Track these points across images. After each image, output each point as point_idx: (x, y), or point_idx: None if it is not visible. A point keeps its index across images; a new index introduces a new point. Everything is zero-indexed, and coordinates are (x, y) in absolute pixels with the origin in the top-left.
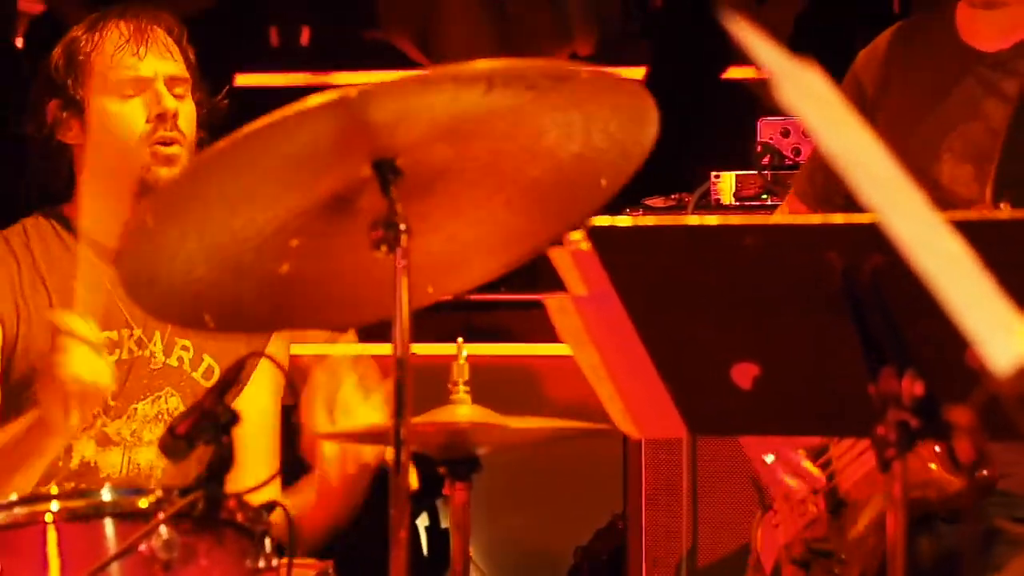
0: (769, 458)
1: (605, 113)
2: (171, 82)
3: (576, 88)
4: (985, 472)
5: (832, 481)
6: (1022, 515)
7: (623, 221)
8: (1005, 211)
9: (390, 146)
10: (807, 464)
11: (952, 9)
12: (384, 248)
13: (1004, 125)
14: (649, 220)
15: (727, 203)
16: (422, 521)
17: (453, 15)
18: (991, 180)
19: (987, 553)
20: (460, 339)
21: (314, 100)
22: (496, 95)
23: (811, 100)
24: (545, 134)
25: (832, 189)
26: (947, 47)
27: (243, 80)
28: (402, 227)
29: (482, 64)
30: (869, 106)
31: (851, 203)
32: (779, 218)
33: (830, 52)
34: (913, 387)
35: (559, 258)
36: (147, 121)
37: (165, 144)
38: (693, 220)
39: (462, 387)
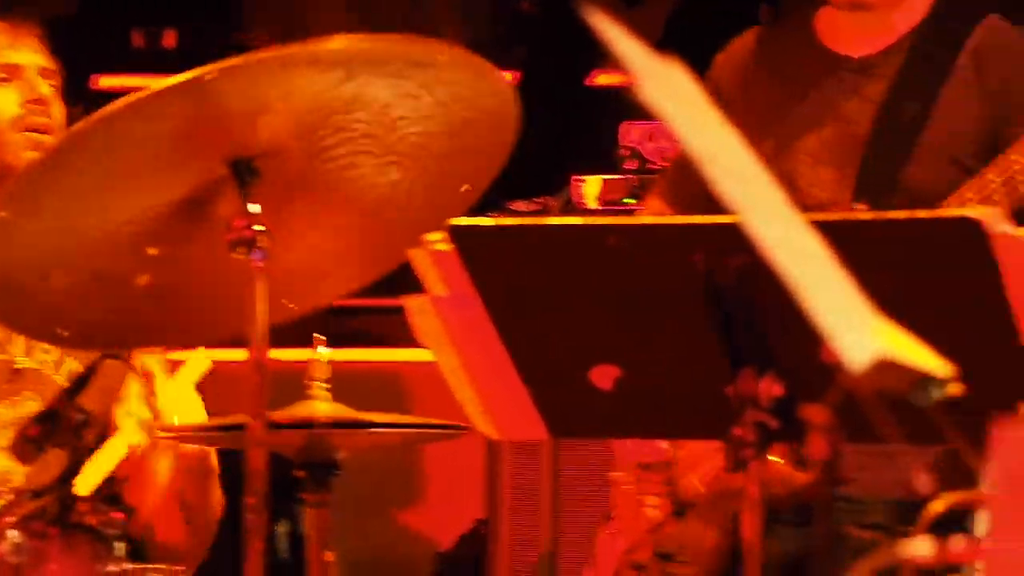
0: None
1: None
2: (45, 73)
3: (438, 74)
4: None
5: (676, 483)
6: (868, 521)
7: (485, 221)
8: (864, 211)
9: (247, 143)
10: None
11: (813, 14)
12: (242, 250)
13: (867, 128)
14: (510, 220)
15: (592, 207)
16: (284, 527)
17: (318, 18)
18: (853, 183)
19: (832, 559)
20: (316, 335)
21: (168, 81)
22: (356, 83)
23: (675, 100)
24: (405, 131)
25: (696, 189)
26: (807, 51)
27: (106, 83)
28: (259, 228)
29: (340, 40)
30: (725, 109)
31: (714, 204)
32: (643, 218)
33: (700, 55)
34: (772, 388)
35: (419, 259)
36: (20, 106)
37: (39, 131)
38: (555, 220)
39: (321, 383)
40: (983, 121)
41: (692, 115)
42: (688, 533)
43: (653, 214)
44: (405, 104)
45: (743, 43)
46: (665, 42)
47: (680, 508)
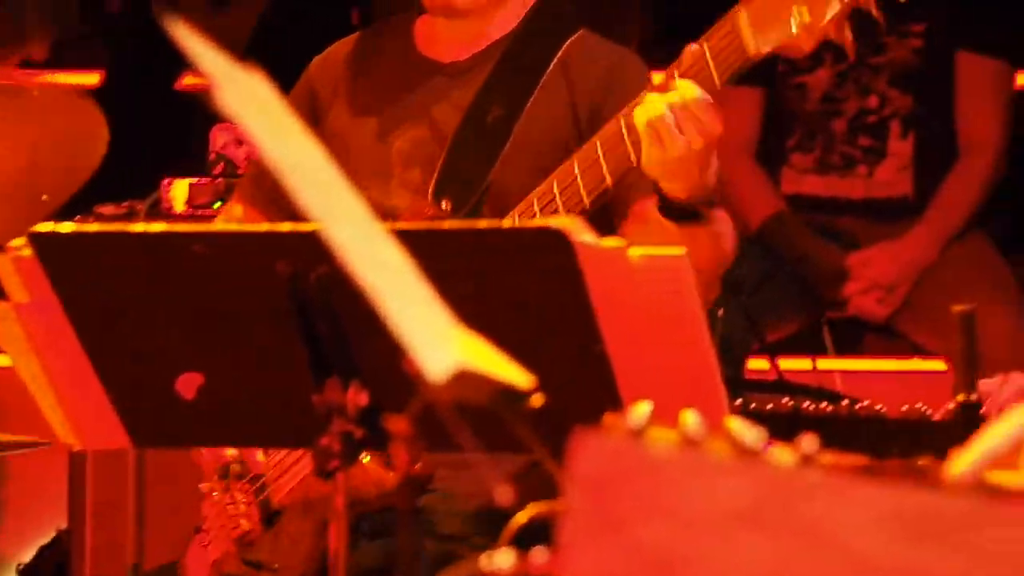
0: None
1: (55, 130)
2: None
3: (27, 103)
4: (417, 468)
5: (265, 492)
6: (447, 531)
7: (65, 228)
8: (445, 222)
9: None
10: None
11: (412, 21)
12: None
13: (453, 131)
14: (93, 227)
15: (180, 211)
16: None
17: None
18: (434, 179)
19: (412, 571)
20: None
21: None
22: None
23: (253, 106)
24: None
25: (274, 194)
26: (403, 57)
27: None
28: None
29: None
30: (320, 113)
31: (294, 209)
32: (228, 226)
33: (288, 61)
34: (358, 398)
35: (1, 265)
36: None
37: None
38: (138, 227)
39: None
40: (569, 131)
41: (270, 122)
42: (278, 542)
43: (232, 218)
44: None
45: (341, 48)
46: (253, 46)
47: (270, 517)
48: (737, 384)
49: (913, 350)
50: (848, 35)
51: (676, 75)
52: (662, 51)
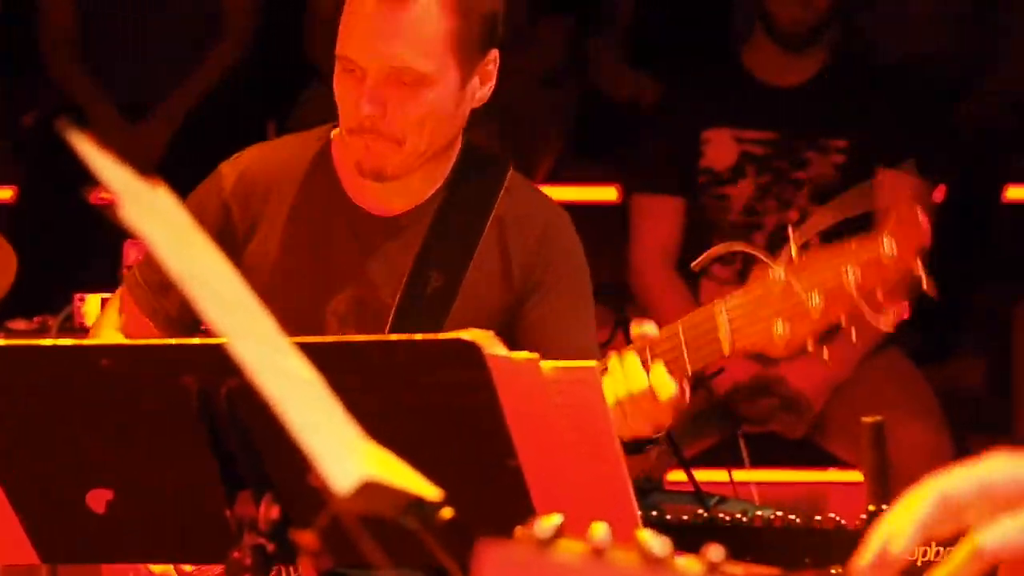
0: None
1: None
2: None
3: None
4: None
5: None
6: None
7: None
8: (349, 335)
9: None
10: None
11: (328, 147)
12: None
13: (392, 293)
14: (1, 342)
15: (92, 326)
16: None
17: None
18: None
19: None
20: None
21: None
22: None
23: (157, 220)
24: None
25: (184, 308)
26: (329, 198)
27: None
28: None
29: None
30: (235, 233)
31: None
32: (136, 340)
33: (205, 173)
34: (269, 511)
35: None
36: None
37: None
38: (46, 342)
39: None
40: (505, 297)
41: (175, 237)
42: None
43: (125, 327)
44: None
45: (256, 165)
46: (168, 159)
47: None
48: (658, 496)
49: (830, 462)
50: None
51: (650, 358)
52: (578, 169)
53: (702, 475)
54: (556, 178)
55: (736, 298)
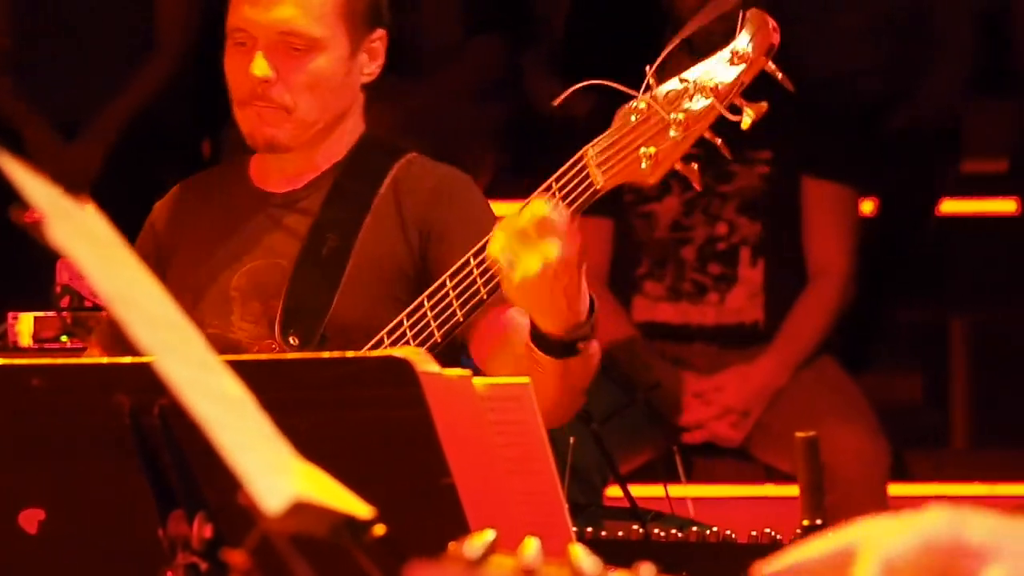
0: None
1: None
2: None
3: None
4: None
5: None
6: None
7: None
8: (295, 346)
9: None
10: None
11: (248, 158)
12: None
13: (292, 262)
14: None
15: (26, 345)
16: None
17: None
18: (279, 316)
19: None
20: None
21: None
22: None
23: (85, 240)
24: None
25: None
26: (240, 190)
27: None
28: None
29: None
30: (165, 257)
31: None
32: (66, 359)
33: (140, 191)
34: (202, 530)
35: None
36: None
37: None
38: None
39: None
40: (403, 254)
41: (103, 256)
42: None
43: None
44: None
45: (181, 190)
46: (103, 178)
47: None
48: (596, 512)
49: (767, 476)
50: (694, 167)
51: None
52: (513, 185)
53: (638, 490)
54: (492, 194)
55: (602, 139)
